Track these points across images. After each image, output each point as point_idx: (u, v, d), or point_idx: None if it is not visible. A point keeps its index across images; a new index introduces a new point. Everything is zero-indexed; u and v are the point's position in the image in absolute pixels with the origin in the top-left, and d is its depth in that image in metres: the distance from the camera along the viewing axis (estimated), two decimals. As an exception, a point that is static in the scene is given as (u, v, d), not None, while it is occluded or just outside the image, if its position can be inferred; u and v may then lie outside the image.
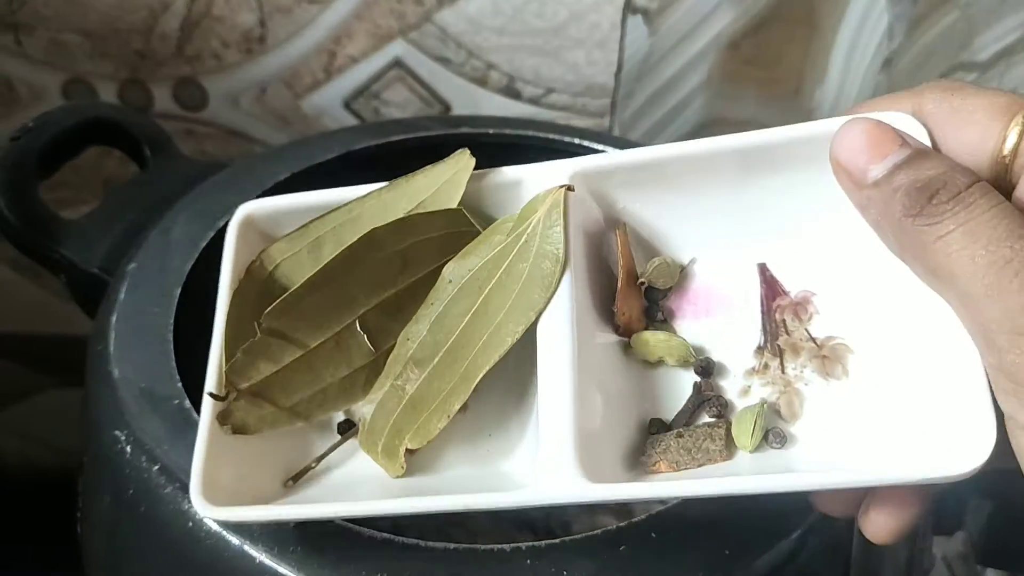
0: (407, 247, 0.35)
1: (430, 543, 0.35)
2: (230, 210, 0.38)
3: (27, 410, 0.78)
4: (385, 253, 0.34)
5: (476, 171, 0.35)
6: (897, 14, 0.64)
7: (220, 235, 0.46)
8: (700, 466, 0.31)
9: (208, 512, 0.33)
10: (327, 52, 0.65)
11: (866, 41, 0.66)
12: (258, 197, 0.39)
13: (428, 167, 0.36)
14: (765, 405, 0.32)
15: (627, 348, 0.35)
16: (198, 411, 0.40)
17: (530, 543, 0.34)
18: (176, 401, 0.40)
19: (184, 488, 0.37)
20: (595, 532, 0.35)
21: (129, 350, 0.43)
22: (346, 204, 0.36)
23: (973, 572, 0.52)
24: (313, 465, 0.36)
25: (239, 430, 0.35)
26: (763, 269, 0.34)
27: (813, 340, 0.33)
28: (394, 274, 0.35)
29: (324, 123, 0.68)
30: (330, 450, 0.36)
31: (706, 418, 0.33)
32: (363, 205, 0.36)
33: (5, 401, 0.77)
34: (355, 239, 0.34)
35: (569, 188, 0.34)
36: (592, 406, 0.32)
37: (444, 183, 0.35)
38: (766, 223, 0.34)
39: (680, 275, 0.35)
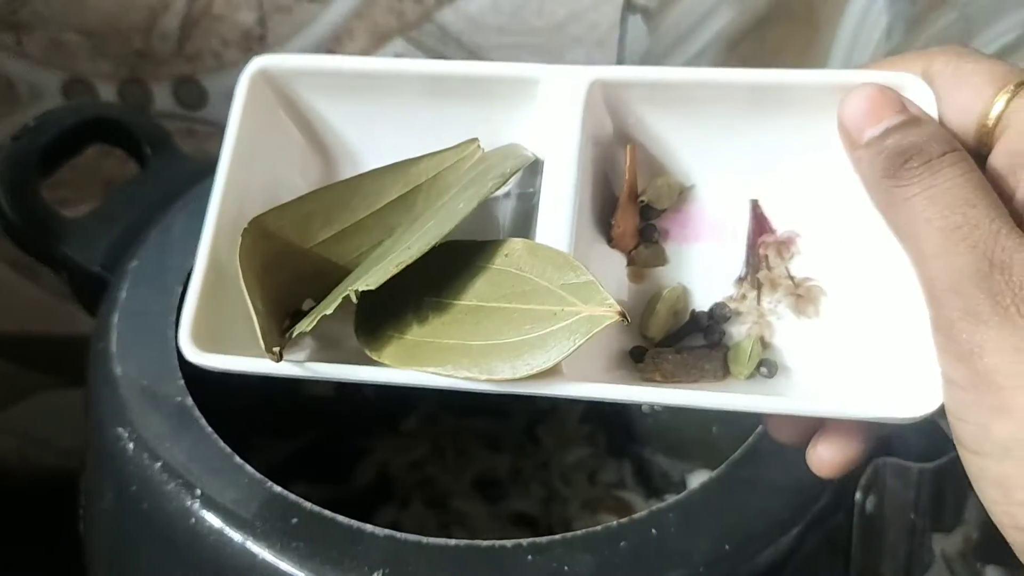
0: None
1: (431, 539, 0.35)
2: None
3: (26, 411, 0.78)
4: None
5: (494, 63, 0.35)
6: (896, 14, 0.64)
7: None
8: (694, 382, 0.33)
9: (197, 358, 0.32)
10: (327, 51, 0.65)
11: (865, 41, 0.66)
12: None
13: (434, 152, 0.36)
14: (760, 337, 0.34)
15: (627, 266, 0.35)
16: (200, 409, 0.40)
17: (531, 539, 0.34)
18: (178, 398, 0.40)
19: (187, 486, 0.37)
20: (595, 529, 0.35)
21: (131, 348, 0.43)
22: (341, 181, 0.35)
23: (973, 569, 0.52)
24: (290, 336, 0.33)
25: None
26: (755, 205, 0.35)
27: (791, 278, 0.34)
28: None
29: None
30: (311, 316, 0.33)
31: (701, 343, 0.34)
32: (359, 182, 0.35)
33: (4, 402, 0.77)
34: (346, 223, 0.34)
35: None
36: None
37: (445, 169, 0.35)
38: (766, 161, 0.35)
39: (677, 198, 0.36)
